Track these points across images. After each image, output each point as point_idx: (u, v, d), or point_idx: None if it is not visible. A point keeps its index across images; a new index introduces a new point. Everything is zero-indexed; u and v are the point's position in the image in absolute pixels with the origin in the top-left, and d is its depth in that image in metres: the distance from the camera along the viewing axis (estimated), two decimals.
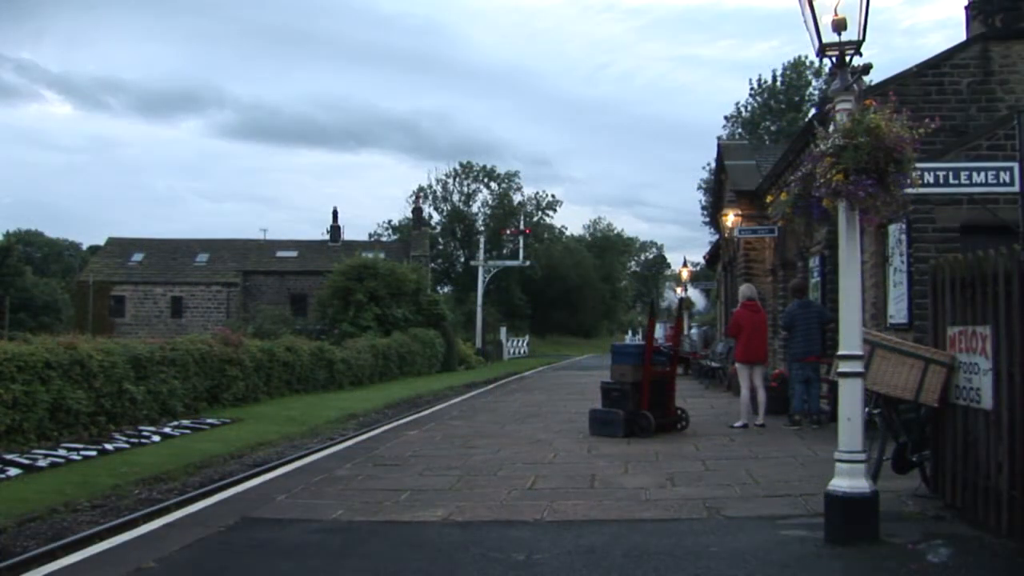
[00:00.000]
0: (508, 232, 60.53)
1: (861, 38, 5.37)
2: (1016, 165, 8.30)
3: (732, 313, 12.92)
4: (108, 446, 12.14)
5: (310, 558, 5.36)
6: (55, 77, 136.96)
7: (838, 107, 5.47)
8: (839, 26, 5.31)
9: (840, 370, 5.42)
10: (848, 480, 5.28)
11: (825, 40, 5.42)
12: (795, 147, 14.30)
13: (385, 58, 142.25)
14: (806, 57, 52.51)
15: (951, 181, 8.49)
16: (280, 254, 47.78)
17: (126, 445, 12.42)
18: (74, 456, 11.25)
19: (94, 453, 11.64)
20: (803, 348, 11.28)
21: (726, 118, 54.36)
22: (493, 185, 73.16)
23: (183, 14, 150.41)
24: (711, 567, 4.94)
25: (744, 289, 12.54)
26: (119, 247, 48.01)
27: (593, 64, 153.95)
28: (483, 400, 17.93)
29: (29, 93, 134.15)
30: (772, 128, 51.00)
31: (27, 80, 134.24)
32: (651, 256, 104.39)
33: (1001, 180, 8.38)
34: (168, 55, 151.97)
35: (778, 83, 53.06)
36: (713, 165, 31.62)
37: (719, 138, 45.83)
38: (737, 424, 11.41)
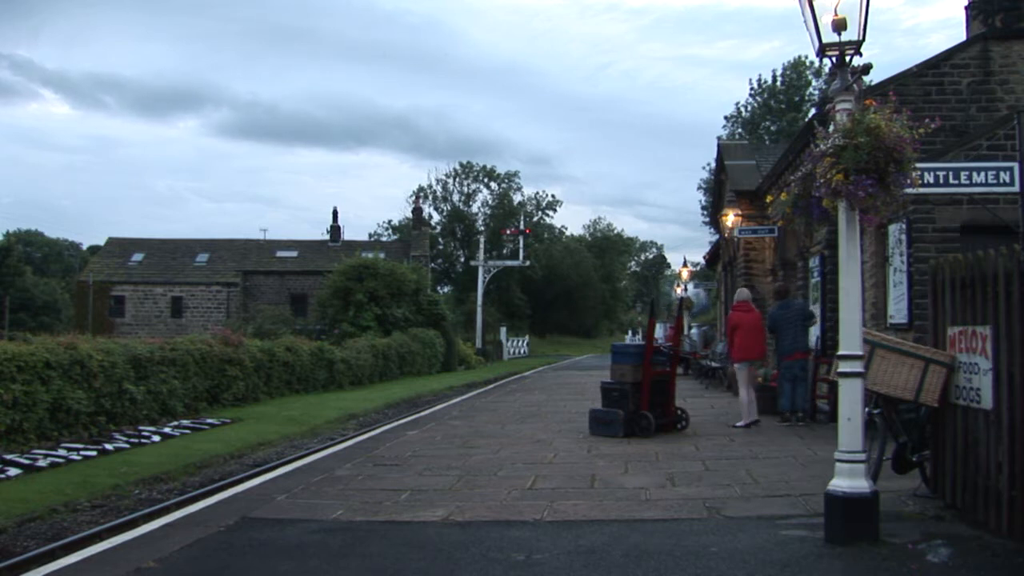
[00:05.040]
0: (508, 232, 60.52)
1: (861, 38, 5.36)
2: (1016, 165, 8.29)
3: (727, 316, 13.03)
4: (108, 446, 12.14)
5: (310, 558, 5.36)
6: (51, 75, 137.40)
7: (838, 107, 5.47)
8: (839, 26, 5.31)
9: (840, 370, 5.42)
10: (848, 480, 5.28)
11: (825, 40, 5.41)
12: (795, 147, 14.29)
13: (384, 56, 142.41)
14: (806, 57, 52.64)
15: (951, 181, 8.49)
16: (280, 254, 47.76)
17: (126, 445, 12.41)
18: (74, 456, 11.25)
19: (94, 453, 11.64)
20: (789, 347, 11.50)
21: (726, 118, 54.47)
22: (493, 185, 73.23)
23: (180, 12, 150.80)
24: (711, 567, 4.94)
25: (737, 293, 12.68)
26: (119, 247, 47.99)
27: (594, 64, 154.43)
28: (483, 400, 17.93)
29: (25, 91, 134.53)
30: (772, 128, 51.01)
31: (23, 78, 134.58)
32: (651, 256, 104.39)
33: (1001, 180, 8.38)
34: (165, 53, 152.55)
35: (778, 83, 53.07)
36: (713, 165, 31.62)
37: (719, 138, 45.92)
38: (739, 424, 11.44)
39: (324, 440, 13.56)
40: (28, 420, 11.85)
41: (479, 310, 46.63)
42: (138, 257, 46.56)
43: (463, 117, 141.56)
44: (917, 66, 11.96)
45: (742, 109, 53.89)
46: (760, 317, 12.06)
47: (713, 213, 30.25)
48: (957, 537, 5.41)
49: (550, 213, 78.66)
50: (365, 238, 61.00)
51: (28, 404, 11.87)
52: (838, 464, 5.37)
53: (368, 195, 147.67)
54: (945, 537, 5.39)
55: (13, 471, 10.10)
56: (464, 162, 75.31)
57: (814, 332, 12.61)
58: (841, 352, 5.45)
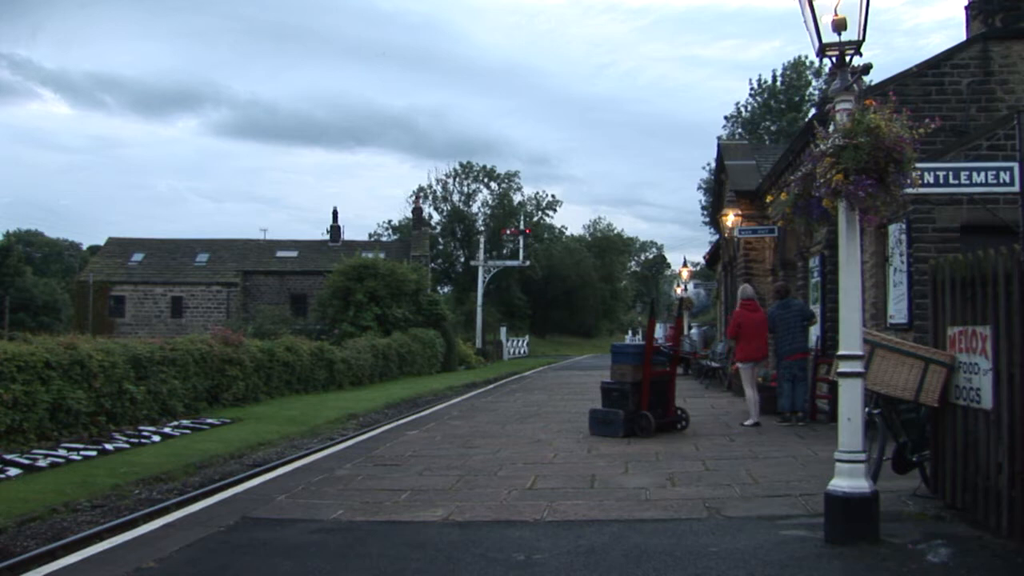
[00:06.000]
0: (508, 232, 60.59)
1: (861, 38, 5.36)
2: (1016, 165, 8.29)
3: (732, 313, 12.98)
4: (108, 446, 12.15)
5: (310, 558, 5.36)
6: (50, 74, 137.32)
7: (838, 107, 5.46)
8: (839, 26, 5.31)
9: (840, 370, 5.42)
10: (848, 480, 5.28)
11: (825, 40, 5.41)
12: (795, 147, 14.29)
13: (384, 55, 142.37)
14: (806, 57, 52.65)
15: (951, 181, 8.49)
16: (280, 254, 47.76)
17: (126, 445, 12.42)
18: (74, 456, 11.25)
19: (94, 453, 11.64)
20: (788, 347, 11.53)
21: (726, 118, 54.48)
22: (493, 185, 73.26)
23: (179, 11, 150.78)
24: (711, 567, 4.94)
25: (740, 290, 12.62)
26: (119, 247, 47.98)
27: (594, 64, 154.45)
28: (483, 400, 17.93)
29: (24, 91, 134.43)
30: (772, 128, 51.01)
31: (22, 77, 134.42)
32: (651, 256, 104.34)
33: (1001, 180, 8.38)
34: (164, 52, 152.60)
35: (778, 83, 53.08)
36: (713, 165, 31.62)
37: (719, 138, 45.94)
38: (748, 422, 11.45)
39: (324, 440, 13.56)
40: (28, 420, 11.85)
41: (479, 310, 46.63)
42: (138, 257, 46.55)
43: (463, 117, 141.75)
44: (917, 66, 11.95)
45: (742, 109, 53.93)
46: (765, 317, 12.08)
47: (713, 213, 30.25)
48: (957, 537, 5.41)
49: (550, 213, 78.82)
50: (365, 238, 61.01)
51: (28, 404, 11.87)
52: (838, 464, 5.37)
53: (368, 195, 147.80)
54: (945, 537, 5.39)
55: (13, 471, 10.10)
56: (464, 162, 75.49)
57: (814, 332, 12.61)
58: (841, 352, 5.44)
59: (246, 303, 44.54)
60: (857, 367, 5.39)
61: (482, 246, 51.14)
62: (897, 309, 10.35)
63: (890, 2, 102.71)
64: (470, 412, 14.94)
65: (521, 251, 53.47)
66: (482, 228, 63.93)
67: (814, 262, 13.73)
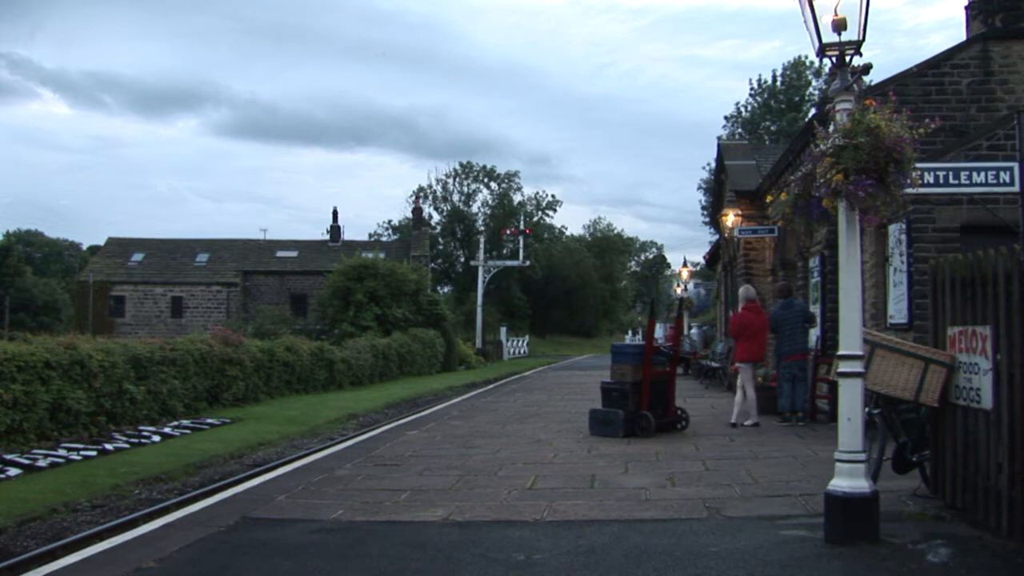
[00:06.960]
0: (508, 232, 60.62)
1: (861, 38, 5.36)
2: (1016, 165, 8.29)
3: (735, 313, 12.98)
4: (108, 446, 12.15)
5: (310, 558, 5.36)
6: (49, 74, 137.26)
7: (838, 107, 5.46)
8: (839, 26, 5.31)
9: (840, 370, 5.42)
10: (848, 480, 5.28)
11: (825, 40, 5.41)
12: (795, 147, 14.29)
13: (383, 55, 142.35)
14: (806, 57, 52.65)
15: (951, 181, 8.49)
16: (280, 254, 47.76)
17: (126, 445, 12.42)
18: (74, 456, 11.25)
19: (94, 453, 11.64)
20: (788, 347, 11.58)
21: (726, 118, 54.48)
22: (493, 185, 73.27)
23: (178, 11, 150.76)
24: (711, 567, 4.94)
25: (743, 291, 12.60)
26: (119, 247, 47.97)
27: (594, 63, 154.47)
28: (483, 400, 17.93)
29: (24, 91, 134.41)
30: (772, 128, 51.00)
31: (21, 77, 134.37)
32: (651, 256, 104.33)
33: (1001, 180, 8.38)
34: (163, 52, 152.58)
35: (778, 83, 53.07)
36: (713, 165, 31.62)
37: (719, 138, 45.94)
38: (748, 422, 11.45)
39: (324, 440, 13.56)
40: (28, 420, 11.85)
41: (479, 310, 46.64)
42: (138, 257, 46.55)
43: (463, 117, 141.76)
44: (917, 66, 11.95)
45: (742, 109, 53.93)
46: (767, 318, 12.08)
47: (713, 213, 30.25)
48: (957, 537, 5.41)
49: (550, 213, 78.82)
50: (365, 238, 61.01)
51: (28, 404, 11.87)
52: (838, 464, 5.37)
53: (368, 195, 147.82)
54: (945, 537, 5.39)
55: (13, 471, 10.10)
56: (464, 162, 75.50)
57: (814, 333, 12.61)
58: (841, 352, 5.44)
59: (246, 303, 44.54)
60: (857, 367, 5.39)
61: (482, 246, 51.14)
62: (897, 309, 10.35)
63: (890, 2, 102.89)
64: (470, 412, 14.94)
65: (521, 251, 53.47)
66: (482, 228, 63.92)
67: (814, 262, 13.73)
